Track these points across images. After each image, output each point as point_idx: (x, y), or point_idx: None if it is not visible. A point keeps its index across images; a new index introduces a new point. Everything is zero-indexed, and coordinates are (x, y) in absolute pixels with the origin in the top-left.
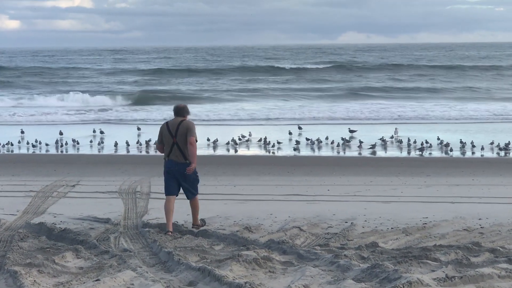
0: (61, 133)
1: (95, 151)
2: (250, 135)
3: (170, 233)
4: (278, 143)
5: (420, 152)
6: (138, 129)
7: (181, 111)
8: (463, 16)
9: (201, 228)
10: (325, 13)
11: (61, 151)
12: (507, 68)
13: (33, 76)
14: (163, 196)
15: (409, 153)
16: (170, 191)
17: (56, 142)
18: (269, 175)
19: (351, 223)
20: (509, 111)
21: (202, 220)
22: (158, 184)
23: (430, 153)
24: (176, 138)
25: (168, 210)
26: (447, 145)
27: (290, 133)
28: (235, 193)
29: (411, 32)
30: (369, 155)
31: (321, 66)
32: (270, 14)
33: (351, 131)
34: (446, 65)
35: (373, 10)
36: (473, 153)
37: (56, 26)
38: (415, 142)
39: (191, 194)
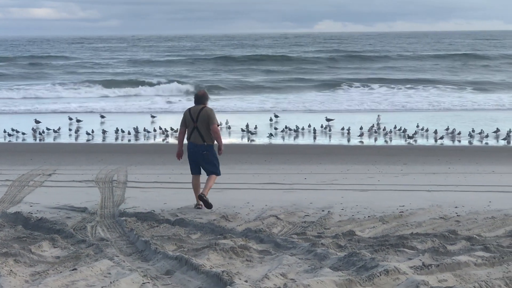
0: (37, 122)
1: (72, 140)
2: (227, 123)
3: (200, 206)
4: (252, 133)
5: (410, 140)
6: (102, 117)
7: (201, 99)
8: (439, 5)
9: (178, 217)
10: (301, 1)
11: (40, 140)
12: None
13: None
14: (140, 185)
15: (387, 141)
16: (193, 171)
17: (33, 130)
18: (246, 163)
19: (328, 211)
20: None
21: (209, 202)
22: (135, 173)
23: (414, 141)
24: (197, 123)
25: (194, 187)
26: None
27: (271, 120)
28: None
29: (388, 21)
30: (345, 144)
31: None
32: (246, 3)
33: (328, 120)
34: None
35: None
36: (457, 141)
37: (32, 15)
38: (400, 129)
39: (210, 172)
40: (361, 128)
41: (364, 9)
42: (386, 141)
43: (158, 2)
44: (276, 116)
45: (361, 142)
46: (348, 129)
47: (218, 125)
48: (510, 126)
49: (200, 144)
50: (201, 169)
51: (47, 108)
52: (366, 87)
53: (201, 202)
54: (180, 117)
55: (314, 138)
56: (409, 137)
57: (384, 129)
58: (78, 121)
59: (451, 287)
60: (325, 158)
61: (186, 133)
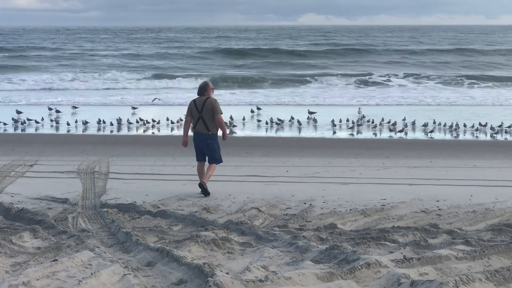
0: (18, 112)
1: (53, 131)
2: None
3: (203, 182)
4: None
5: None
6: (74, 107)
7: (202, 90)
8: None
9: (159, 209)
10: None
11: (22, 130)
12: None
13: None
14: (121, 176)
15: (375, 135)
16: (198, 158)
17: (14, 121)
18: (228, 155)
19: (310, 204)
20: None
21: (207, 190)
22: (117, 164)
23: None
24: (202, 113)
25: (198, 172)
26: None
27: (252, 111)
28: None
29: (371, 14)
30: (328, 136)
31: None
32: None
33: (311, 113)
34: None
35: None
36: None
37: (14, 5)
38: (390, 122)
39: (212, 160)
40: (347, 121)
41: (346, 2)
42: (375, 134)
43: None
44: (259, 109)
45: (351, 134)
46: (333, 121)
47: (221, 114)
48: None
49: (205, 134)
50: (205, 157)
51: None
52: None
53: (204, 180)
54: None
55: (300, 130)
56: (399, 131)
57: (372, 122)
58: (57, 111)
59: (431, 280)
60: (307, 151)
61: (191, 122)
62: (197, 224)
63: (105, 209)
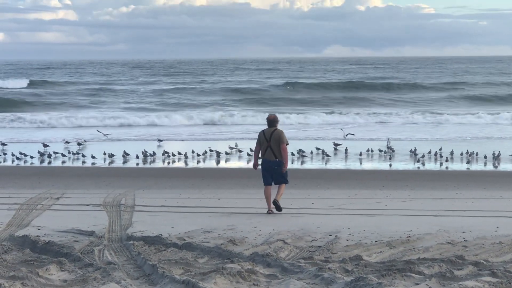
0: (45, 145)
1: (79, 164)
2: (236, 145)
3: (270, 211)
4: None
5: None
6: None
7: (272, 122)
8: (447, 30)
9: (185, 241)
10: (309, 26)
11: (48, 163)
12: None
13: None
14: (147, 209)
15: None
16: (266, 182)
17: (41, 154)
18: (254, 188)
19: (335, 236)
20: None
21: (279, 206)
22: (143, 196)
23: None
24: (270, 142)
25: (266, 195)
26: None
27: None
28: (219, 205)
29: (396, 46)
30: (353, 168)
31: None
32: (254, 27)
33: (336, 145)
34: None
35: (357, 23)
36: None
37: (40, 39)
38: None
39: (280, 182)
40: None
41: (371, 34)
42: (390, 165)
43: (164, 27)
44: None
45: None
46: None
47: (287, 144)
48: None
49: (272, 160)
50: (272, 180)
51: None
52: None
53: (272, 207)
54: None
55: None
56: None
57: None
58: (79, 144)
59: None
60: (332, 182)
61: (260, 150)
62: (223, 257)
63: (131, 242)
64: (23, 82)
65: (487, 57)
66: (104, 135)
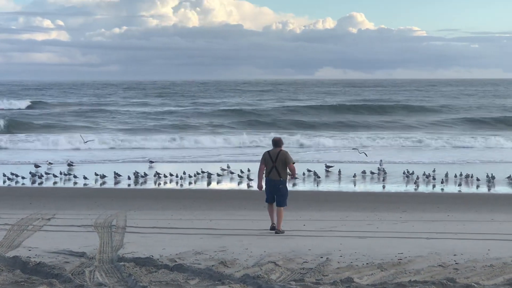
0: (36, 166)
1: (70, 184)
2: (228, 167)
3: (274, 225)
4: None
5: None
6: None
7: (278, 143)
8: (439, 53)
9: (176, 263)
10: (302, 48)
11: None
12: None
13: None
14: (139, 230)
15: (384, 187)
16: (269, 199)
17: (32, 175)
18: (245, 209)
19: (327, 258)
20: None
21: (281, 230)
22: (134, 218)
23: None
24: (275, 163)
25: (270, 212)
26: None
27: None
28: (211, 227)
29: (388, 68)
30: (345, 190)
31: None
32: (246, 49)
33: (328, 167)
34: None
35: (349, 46)
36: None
37: (33, 59)
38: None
39: (280, 203)
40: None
41: (363, 56)
42: (383, 187)
43: (157, 48)
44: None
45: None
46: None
47: (293, 163)
48: None
49: (277, 180)
50: (274, 199)
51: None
52: None
53: (275, 222)
54: None
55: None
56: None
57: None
58: (69, 165)
59: None
60: (324, 204)
61: (265, 170)
62: (214, 278)
63: (122, 263)
64: (23, 103)
65: (480, 79)
66: (85, 142)
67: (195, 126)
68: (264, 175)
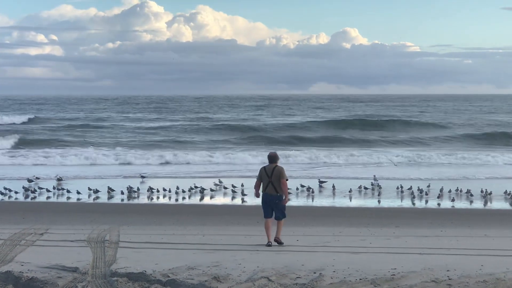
0: (29, 181)
1: (63, 199)
2: (220, 182)
3: (270, 243)
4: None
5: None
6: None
7: (273, 159)
8: (432, 68)
9: (169, 278)
10: (295, 63)
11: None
12: None
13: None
14: (132, 245)
15: (379, 201)
16: (266, 214)
17: (25, 189)
18: (238, 224)
19: (320, 273)
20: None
21: (281, 241)
22: (127, 233)
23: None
24: (271, 178)
25: (266, 228)
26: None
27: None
28: (203, 242)
29: (381, 84)
30: (338, 205)
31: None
32: (240, 64)
33: (321, 182)
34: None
35: (343, 61)
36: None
37: (27, 74)
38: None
39: (279, 216)
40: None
41: (357, 72)
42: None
43: (151, 63)
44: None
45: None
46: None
47: (286, 180)
48: None
49: (274, 195)
50: (272, 214)
51: None
52: None
53: (271, 240)
54: None
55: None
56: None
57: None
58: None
59: None
60: (317, 220)
61: (261, 185)
62: None
63: (115, 278)
64: (23, 118)
65: (473, 95)
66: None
67: (190, 142)
68: (261, 190)
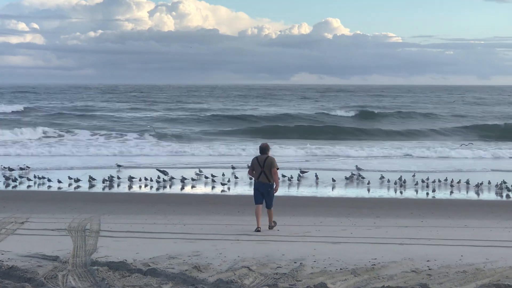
0: (10, 169)
1: (44, 188)
2: (200, 172)
3: (259, 229)
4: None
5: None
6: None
7: (265, 150)
8: (414, 59)
9: (150, 267)
10: (277, 53)
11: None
12: None
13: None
14: (113, 234)
15: (358, 192)
16: (257, 201)
17: (6, 178)
18: (219, 214)
19: (300, 263)
20: None
21: (274, 222)
22: (108, 222)
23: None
24: (263, 168)
25: (257, 214)
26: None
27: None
28: (184, 231)
29: (363, 74)
30: (319, 195)
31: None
32: (222, 54)
33: (302, 172)
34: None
35: (325, 51)
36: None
37: (7, 62)
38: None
39: (269, 204)
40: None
41: (339, 62)
42: (368, 189)
43: (133, 52)
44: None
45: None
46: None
47: (277, 169)
48: None
49: (266, 183)
50: (262, 200)
51: None
52: None
53: (260, 226)
54: None
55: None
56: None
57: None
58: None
59: None
60: (298, 210)
61: (254, 173)
62: (187, 283)
63: (96, 267)
64: (19, 107)
65: (456, 86)
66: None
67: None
68: (253, 178)
